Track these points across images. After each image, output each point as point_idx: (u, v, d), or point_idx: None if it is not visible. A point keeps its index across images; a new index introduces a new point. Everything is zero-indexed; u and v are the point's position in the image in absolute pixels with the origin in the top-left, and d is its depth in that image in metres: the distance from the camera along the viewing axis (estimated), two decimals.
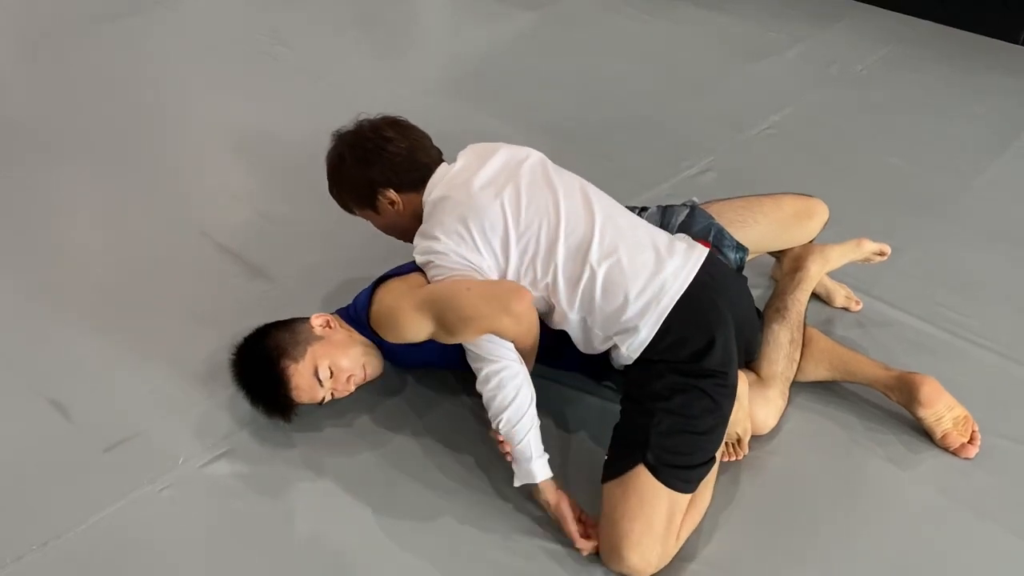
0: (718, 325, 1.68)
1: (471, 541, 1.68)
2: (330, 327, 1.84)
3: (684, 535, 1.64)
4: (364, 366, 1.82)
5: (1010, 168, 2.88)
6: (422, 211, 1.82)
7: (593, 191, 1.81)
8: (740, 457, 1.81)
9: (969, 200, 2.71)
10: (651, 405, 1.64)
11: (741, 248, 1.93)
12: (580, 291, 1.68)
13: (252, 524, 1.70)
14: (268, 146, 2.89)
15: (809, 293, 2.04)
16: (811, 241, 2.12)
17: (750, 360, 1.91)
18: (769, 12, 3.97)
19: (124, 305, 2.23)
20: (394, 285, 1.78)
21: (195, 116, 3.11)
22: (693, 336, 1.66)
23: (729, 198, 2.09)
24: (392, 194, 1.85)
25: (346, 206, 1.96)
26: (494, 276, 1.71)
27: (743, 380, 1.79)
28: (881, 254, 2.13)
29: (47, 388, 1.97)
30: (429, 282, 1.73)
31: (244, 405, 1.90)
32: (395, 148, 1.85)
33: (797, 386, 1.96)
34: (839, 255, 2.10)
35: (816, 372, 1.94)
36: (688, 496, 1.62)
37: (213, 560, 1.64)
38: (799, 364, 1.93)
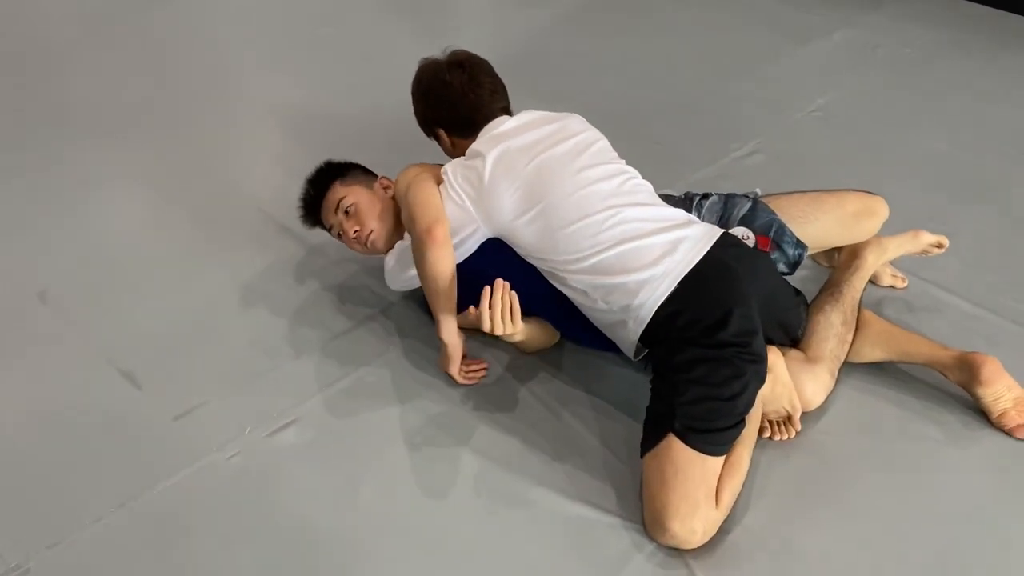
0: (734, 299, 1.72)
1: (544, 515, 1.73)
2: (384, 190, 2.12)
3: (727, 501, 1.68)
4: (373, 231, 2.05)
5: None
6: None
7: (625, 181, 1.90)
8: (792, 436, 1.85)
9: (1015, 187, 2.70)
10: (674, 377, 1.70)
11: (801, 245, 1.97)
12: (583, 273, 1.81)
13: (318, 492, 1.76)
14: (319, 125, 2.94)
15: (865, 281, 2.07)
16: None
17: (794, 340, 1.94)
18: None
19: (187, 278, 2.31)
20: (421, 167, 2.03)
21: (246, 96, 3.18)
22: (707, 311, 1.71)
23: (791, 193, 2.10)
24: (443, 134, 2.10)
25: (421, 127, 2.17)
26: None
27: (780, 356, 1.83)
28: (939, 246, 2.14)
29: (118, 358, 2.04)
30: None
31: (309, 376, 1.98)
32: (450, 93, 2.05)
33: (851, 367, 1.99)
34: (896, 246, 2.12)
35: (872, 353, 1.97)
36: (720, 459, 1.67)
37: (280, 527, 1.70)
38: (854, 346, 1.95)
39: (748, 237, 1.97)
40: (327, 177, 2.16)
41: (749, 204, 2.03)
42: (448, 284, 1.89)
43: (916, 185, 2.66)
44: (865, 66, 3.38)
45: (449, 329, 1.91)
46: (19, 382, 2.00)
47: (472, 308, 1.82)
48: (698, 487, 1.62)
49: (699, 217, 2.01)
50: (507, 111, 2.08)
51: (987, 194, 2.65)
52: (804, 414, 1.87)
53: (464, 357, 1.96)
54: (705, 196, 2.08)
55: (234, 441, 1.84)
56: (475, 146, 1.98)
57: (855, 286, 2.03)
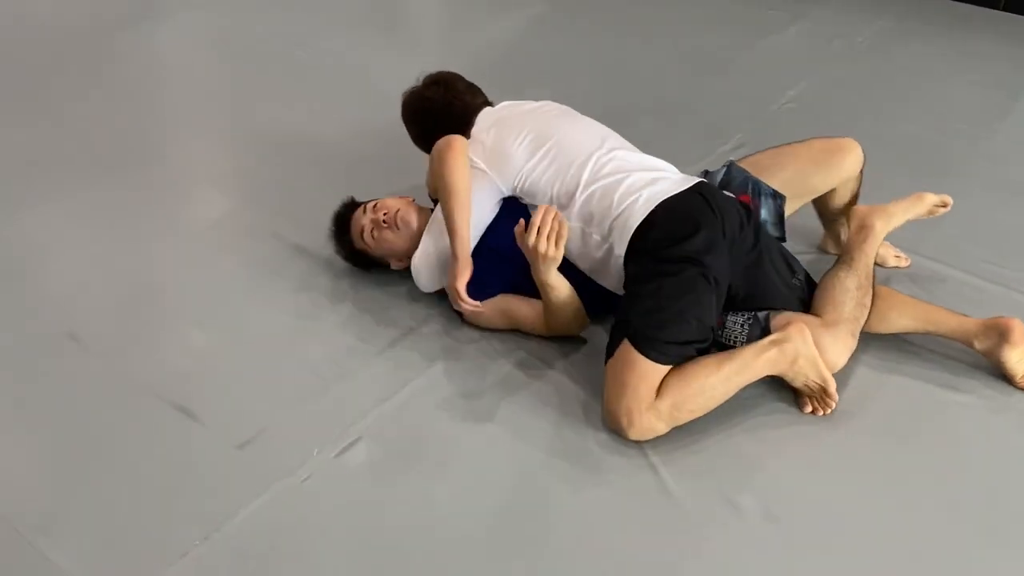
0: (706, 221, 1.94)
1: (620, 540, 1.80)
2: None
3: (683, 416, 1.86)
4: (399, 208, 2.21)
5: (1019, 129, 3.07)
6: None
7: (611, 133, 2.19)
8: (829, 411, 1.95)
9: (984, 161, 2.89)
10: (633, 289, 1.95)
11: (779, 195, 2.11)
12: (584, 205, 2.03)
13: (397, 507, 1.79)
14: (304, 148, 2.94)
15: (876, 247, 2.13)
16: (856, 197, 2.29)
17: (800, 282, 2.09)
18: None
19: (216, 308, 2.30)
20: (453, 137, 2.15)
21: (227, 122, 3.16)
22: (677, 228, 1.93)
23: (762, 150, 2.27)
24: None
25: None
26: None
27: (805, 329, 1.91)
28: (943, 205, 2.23)
29: (167, 393, 2.03)
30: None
31: (363, 393, 2.01)
32: (434, 107, 2.28)
33: (876, 340, 2.10)
34: (902, 210, 2.20)
35: (899, 322, 2.07)
36: (663, 368, 1.84)
37: (367, 545, 1.73)
38: (881, 313, 2.06)
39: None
40: (349, 202, 2.36)
41: (725, 170, 2.17)
42: (464, 196, 2.06)
43: (894, 165, 2.82)
44: (825, 57, 3.56)
45: (463, 245, 2.06)
46: (71, 425, 1.98)
47: (521, 223, 1.94)
48: (641, 387, 1.83)
49: None
50: (488, 103, 2.32)
51: (959, 170, 2.83)
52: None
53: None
54: None
55: (304, 464, 1.86)
56: (472, 132, 2.21)
57: (867, 252, 2.10)
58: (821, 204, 2.33)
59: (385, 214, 2.21)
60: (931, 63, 3.50)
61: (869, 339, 2.08)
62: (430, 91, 2.32)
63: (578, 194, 2.04)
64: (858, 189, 2.30)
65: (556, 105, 2.31)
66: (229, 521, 1.75)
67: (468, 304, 2.07)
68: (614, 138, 2.18)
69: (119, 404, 2.02)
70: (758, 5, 3.98)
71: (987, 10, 3.94)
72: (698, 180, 2.07)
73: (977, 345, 2.02)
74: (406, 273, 2.24)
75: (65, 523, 1.76)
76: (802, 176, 2.20)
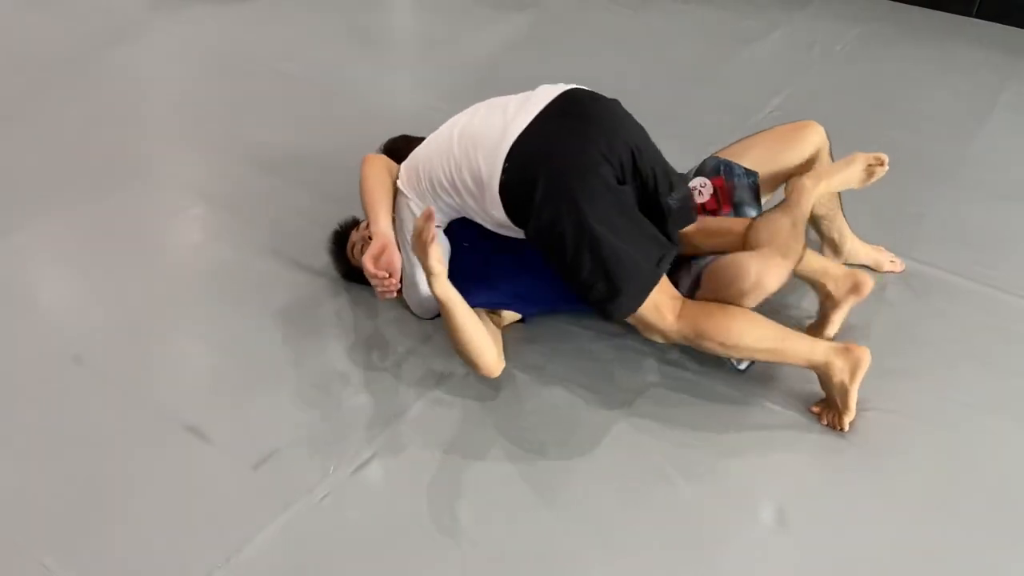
0: (539, 167, 1.93)
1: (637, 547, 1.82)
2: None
3: (704, 343, 1.96)
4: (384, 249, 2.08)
5: (998, 133, 3.14)
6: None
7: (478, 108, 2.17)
8: (841, 429, 1.98)
9: (969, 165, 2.96)
10: (572, 262, 1.94)
11: (751, 173, 2.19)
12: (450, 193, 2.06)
13: (419, 523, 1.80)
14: (306, 162, 2.94)
15: (809, 202, 2.08)
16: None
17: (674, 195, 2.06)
18: (744, 0, 4.19)
19: (221, 327, 2.29)
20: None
21: (215, 138, 3.12)
22: (527, 188, 1.93)
23: (734, 141, 2.37)
24: None
25: None
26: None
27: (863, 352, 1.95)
28: (879, 163, 2.16)
29: (180, 415, 2.02)
30: None
31: (375, 409, 2.02)
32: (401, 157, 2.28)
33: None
34: (833, 169, 2.15)
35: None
36: (655, 285, 1.95)
37: (389, 563, 1.73)
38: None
39: (705, 184, 2.20)
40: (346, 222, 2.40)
41: (701, 162, 2.28)
42: (369, 183, 2.15)
43: (887, 175, 2.88)
44: (806, 64, 3.62)
45: (375, 223, 2.08)
46: (81, 450, 1.96)
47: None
48: (661, 320, 1.97)
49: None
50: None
51: (945, 174, 2.89)
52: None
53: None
54: None
55: (321, 483, 1.86)
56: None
57: (800, 203, 2.06)
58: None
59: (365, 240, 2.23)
60: (910, 69, 3.57)
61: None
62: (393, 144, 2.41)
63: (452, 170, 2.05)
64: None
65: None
66: (249, 544, 1.75)
67: (376, 279, 2.01)
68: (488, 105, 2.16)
69: (130, 428, 2.01)
70: (735, 14, 4.04)
71: (961, 17, 4.02)
72: (547, 99, 2.07)
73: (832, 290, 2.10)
74: None
75: (81, 551, 1.75)
76: (770, 153, 2.26)
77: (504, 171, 1.96)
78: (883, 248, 2.47)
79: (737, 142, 2.35)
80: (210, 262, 2.52)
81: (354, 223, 2.37)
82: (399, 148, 2.33)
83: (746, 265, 1.94)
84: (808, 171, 2.19)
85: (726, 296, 1.96)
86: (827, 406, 1.99)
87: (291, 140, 3.09)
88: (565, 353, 2.18)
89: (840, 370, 1.93)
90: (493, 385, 2.09)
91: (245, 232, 2.63)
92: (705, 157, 2.29)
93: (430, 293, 1.99)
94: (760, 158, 2.25)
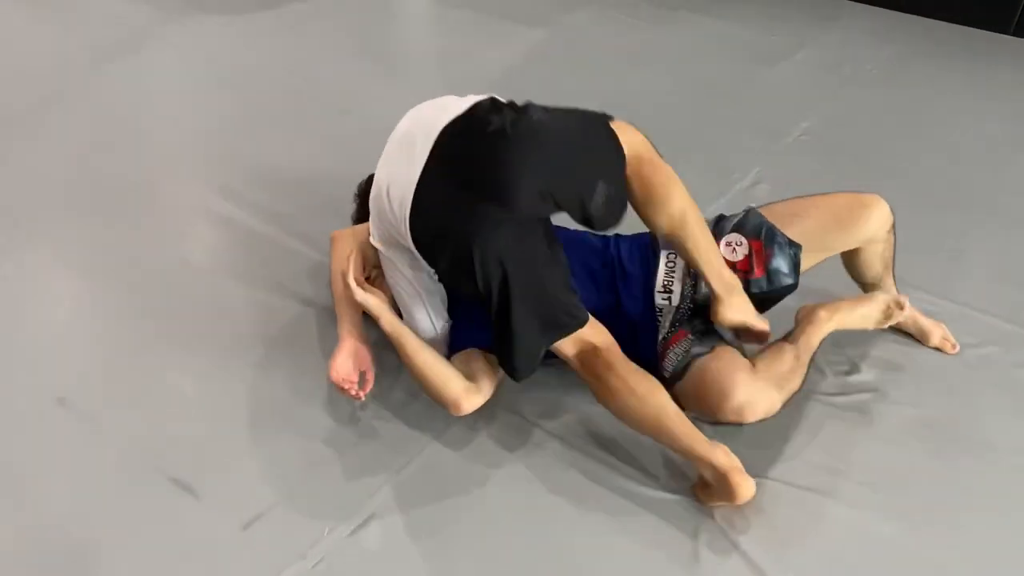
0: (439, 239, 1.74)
1: None
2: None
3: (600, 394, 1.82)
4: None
5: None
6: None
7: None
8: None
9: (1008, 194, 2.79)
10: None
11: (793, 244, 1.98)
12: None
13: None
14: (315, 184, 2.81)
15: (820, 335, 1.99)
16: (890, 265, 2.14)
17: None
18: (767, 15, 4.03)
19: (211, 373, 2.15)
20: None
21: (223, 158, 3.01)
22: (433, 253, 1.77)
23: (784, 199, 2.12)
24: None
25: None
26: None
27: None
28: (899, 306, 2.05)
29: (168, 466, 1.89)
30: None
31: (374, 463, 1.88)
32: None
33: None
34: (850, 304, 2.04)
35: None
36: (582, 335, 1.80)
37: None
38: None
39: (741, 244, 2.00)
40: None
41: (742, 215, 2.07)
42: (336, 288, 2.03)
43: (917, 200, 2.72)
44: (836, 85, 3.46)
45: (344, 325, 1.99)
46: (63, 502, 1.84)
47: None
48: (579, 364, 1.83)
49: None
50: None
51: (983, 204, 2.73)
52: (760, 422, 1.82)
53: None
54: None
55: (315, 546, 1.72)
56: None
57: (810, 335, 1.97)
58: (855, 274, 2.17)
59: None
60: (944, 91, 3.41)
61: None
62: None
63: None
64: (891, 257, 2.13)
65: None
66: None
67: (341, 390, 1.90)
68: None
69: (115, 479, 1.88)
70: (759, 30, 3.89)
71: (998, 35, 3.85)
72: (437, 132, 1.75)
73: None
74: None
75: None
76: (821, 231, 2.04)
77: (412, 235, 1.75)
78: (940, 322, 2.22)
79: (788, 201, 2.09)
80: (207, 294, 2.39)
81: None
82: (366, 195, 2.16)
83: (735, 387, 1.78)
84: (863, 248, 2.08)
85: (703, 403, 1.82)
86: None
87: (300, 161, 2.96)
88: (568, 408, 2.04)
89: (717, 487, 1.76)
90: (502, 439, 1.95)
91: (247, 261, 2.50)
92: (747, 208, 2.07)
93: (432, 335, 1.92)
94: (811, 232, 2.01)
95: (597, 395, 1.83)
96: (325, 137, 3.10)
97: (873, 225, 2.04)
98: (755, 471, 1.80)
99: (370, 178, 2.13)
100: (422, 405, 2.03)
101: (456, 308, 2.04)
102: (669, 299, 2.01)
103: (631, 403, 1.77)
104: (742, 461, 1.74)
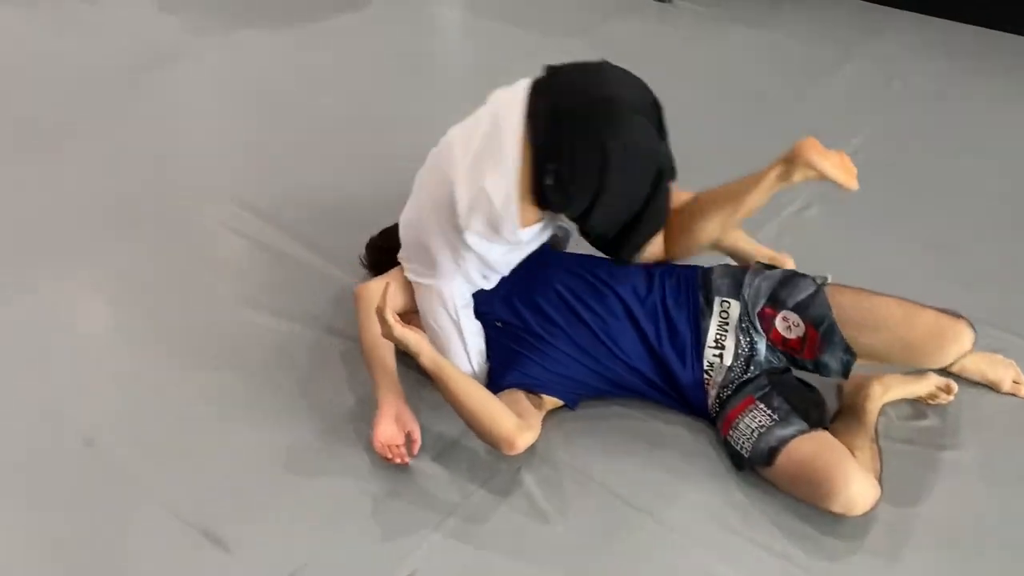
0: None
1: None
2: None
3: None
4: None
5: None
6: None
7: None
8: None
9: None
10: None
11: (848, 351, 1.83)
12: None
13: None
14: (348, 208, 2.71)
15: (877, 412, 1.90)
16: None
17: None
18: (811, 25, 3.90)
19: (248, 416, 2.04)
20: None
21: (255, 179, 2.89)
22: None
23: (863, 290, 1.91)
24: None
25: None
26: None
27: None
28: (947, 391, 1.97)
29: (197, 517, 1.79)
30: None
31: (416, 513, 1.80)
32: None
33: None
34: (901, 381, 1.95)
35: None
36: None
37: None
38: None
39: (798, 324, 1.87)
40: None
41: (812, 291, 1.89)
42: (368, 348, 1.96)
43: (979, 226, 2.59)
44: (886, 100, 3.32)
45: (382, 388, 1.93)
46: (89, 553, 1.74)
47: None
48: None
49: (751, 282, 1.92)
50: None
51: None
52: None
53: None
54: (769, 267, 1.99)
55: None
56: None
57: (871, 413, 1.88)
58: None
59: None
60: (1004, 106, 3.26)
61: None
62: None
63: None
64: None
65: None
66: None
67: (387, 459, 1.85)
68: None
69: (143, 529, 1.78)
70: (804, 41, 3.76)
71: None
72: None
73: None
74: None
75: None
76: (885, 351, 1.85)
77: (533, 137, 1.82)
78: (1012, 363, 2.04)
79: (863, 297, 1.87)
80: (242, 328, 2.28)
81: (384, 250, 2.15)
82: (382, 249, 2.17)
83: (849, 481, 1.67)
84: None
85: (804, 492, 1.72)
86: None
87: (338, 182, 2.85)
88: (610, 451, 1.93)
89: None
90: (561, 483, 1.84)
91: (284, 293, 2.39)
92: (820, 283, 1.89)
93: (469, 375, 1.87)
94: (881, 348, 1.84)
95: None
96: (361, 156, 3.00)
97: (948, 357, 1.84)
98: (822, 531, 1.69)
99: (384, 232, 2.10)
100: (466, 443, 1.94)
101: (494, 347, 1.95)
102: (720, 356, 1.89)
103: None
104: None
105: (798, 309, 1.85)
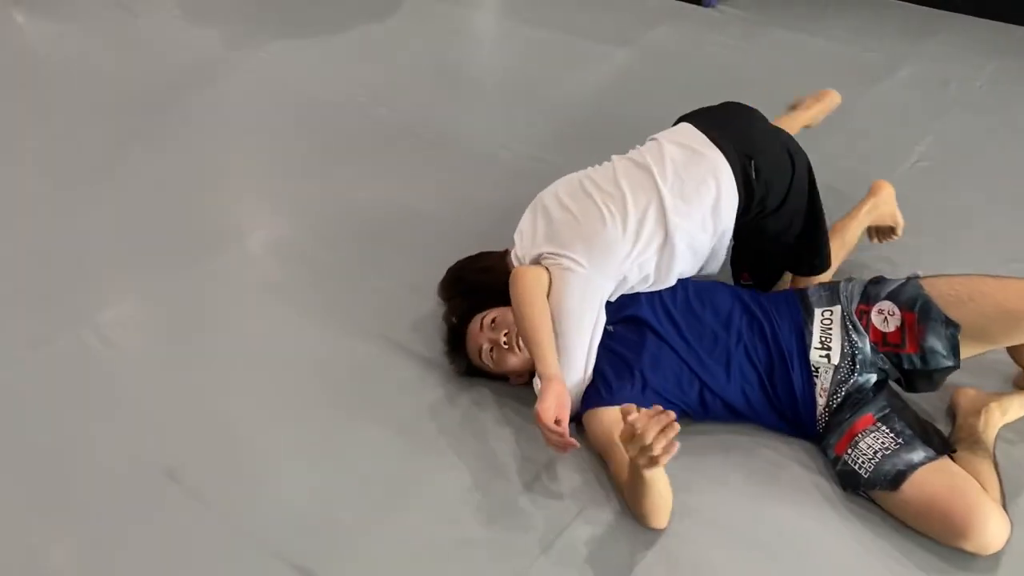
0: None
1: None
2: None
3: None
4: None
5: None
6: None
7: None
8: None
9: None
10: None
11: (951, 324, 1.78)
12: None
13: None
14: (411, 223, 2.67)
15: (995, 432, 1.87)
16: None
17: None
18: (860, 30, 3.84)
19: (333, 446, 1.98)
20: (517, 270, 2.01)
21: (313, 194, 2.83)
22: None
23: (952, 274, 1.89)
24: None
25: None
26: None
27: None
28: None
29: (287, 550, 1.74)
30: None
31: (510, 544, 1.74)
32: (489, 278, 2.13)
33: None
34: (1020, 403, 1.91)
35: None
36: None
37: None
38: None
39: (893, 313, 1.86)
40: (462, 309, 2.12)
41: (902, 281, 1.91)
42: (536, 310, 1.87)
43: None
44: (945, 104, 3.26)
45: (545, 363, 1.83)
46: None
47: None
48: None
49: (845, 289, 1.96)
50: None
51: None
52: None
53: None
54: (849, 279, 2.03)
55: None
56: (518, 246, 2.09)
57: (990, 435, 1.85)
58: (1016, 355, 1.96)
59: (506, 334, 1.98)
60: None
61: None
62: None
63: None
64: None
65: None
66: None
67: (554, 435, 1.73)
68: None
69: (232, 564, 1.73)
70: (854, 47, 3.70)
71: None
72: None
73: None
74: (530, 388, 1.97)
75: None
76: (980, 321, 1.78)
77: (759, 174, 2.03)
78: None
79: (954, 278, 1.85)
80: (313, 349, 2.23)
81: (469, 310, 2.08)
82: (470, 280, 2.21)
83: (986, 521, 1.61)
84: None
85: (932, 527, 1.66)
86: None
87: (389, 195, 2.81)
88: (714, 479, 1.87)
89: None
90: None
91: (348, 310, 2.34)
92: (910, 275, 1.90)
93: (579, 379, 1.89)
94: (976, 318, 1.78)
95: None
96: (411, 171, 2.95)
97: None
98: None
99: (458, 313, 2.10)
100: (562, 467, 1.89)
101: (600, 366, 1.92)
102: (827, 356, 1.85)
103: None
104: None
105: (890, 297, 1.87)
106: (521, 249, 2.05)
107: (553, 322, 1.87)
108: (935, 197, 2.74)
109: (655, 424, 1.51)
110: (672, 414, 1.52)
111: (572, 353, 1.87)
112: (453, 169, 2.94)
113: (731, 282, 2.22)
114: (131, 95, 3.43)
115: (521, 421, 2.00)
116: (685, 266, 2.04)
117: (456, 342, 2.07)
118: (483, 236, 2.36)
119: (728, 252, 2.17)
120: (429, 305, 2.33)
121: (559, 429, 1.71)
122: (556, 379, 1.79)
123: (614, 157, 2.16)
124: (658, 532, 1.75)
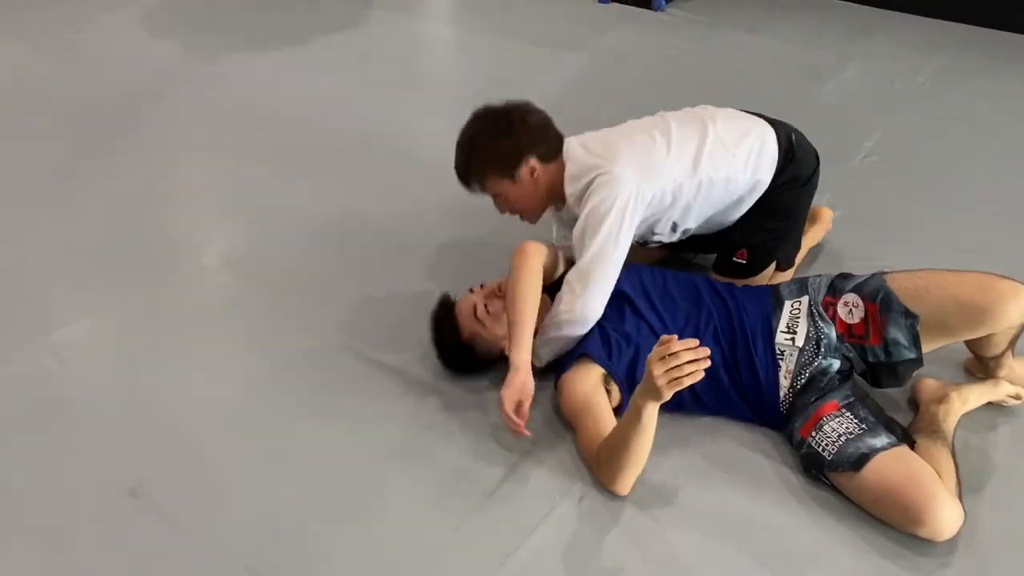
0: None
1: None
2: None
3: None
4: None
5: None
6: (558, 184, 2.09)
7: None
8: None
9: None
10: None
11: (910, 315, 1.83)
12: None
13: None
14: (372, 233, 2.66)
15: (956, 419, 1.91)
16: (1013, 344, 1.92)
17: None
18: (806, 31, 3.94)
19: (296, 452, 1.97)
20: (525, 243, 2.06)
21: (274, 206, 2.81)
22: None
23: (914, 269, 1.93)
24: (534, 162, 2.07)
25: (478, 180, 2.10)
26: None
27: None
28: (1016, 397, 1.98)
29: (257, 562, 1.71)
30: None
31: (476, 551, 1.73)
32: (535, 119, 2.12)
33: None
34: (979, 393, 1.96)
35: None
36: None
37: None
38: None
39: (858, 305, 1.91)
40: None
41: (867, 276, 1.96)
42: (527, 303, 1.95)
43: (1003, 225, 2.61)
44: (890, 101, 3.35)
45: (519, 351, 1.91)
46: None
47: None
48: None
49: (814, 282, 2.02)
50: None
51: None
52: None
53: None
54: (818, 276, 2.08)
55: None
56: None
57: (950, 425, 1.89)
58: (973, 346, 1.97)
59: (499, 286, 2.06)
60: (1009, 102, 3.30)
61: None
62: (526, 106, 2.18)
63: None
64: (1017, 335, 1.90)
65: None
66: None
67: (513, 424, 1.85)
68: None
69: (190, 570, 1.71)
70: (802, 46, 3.79)
71: None
72: None
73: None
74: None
75: None
76: (938, 312, 1.82)
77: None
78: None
79: (915, 273, 1.89)
80: (274, 361, 2.21)
81: (450, 301, 2.12)
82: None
83: (940, 508, 1.64)
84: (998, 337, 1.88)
85: (889, 512, 1.70)
86: None
87: (347, 206, 2.80)
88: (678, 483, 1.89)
89: None
90: (619, 514, 1.79)
91: (309, 321, 2.32)
92: (875, 272, 1.95)
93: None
94: (938, 305, 1.81)
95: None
96: (372, 180, 2.95)
97: (1009, 318, 1.78)
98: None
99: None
100: (529, 468, 1.89)
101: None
102: (792, 340, 1.91)
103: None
104: None
105: (855, 290, 1.93)
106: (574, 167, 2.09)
107: (592, 237, 1.95)
108: (885, 191, 2.81)
109: (691, 353, 1.60)
110: (707, 350, 1.61)
111: (602, 257, 1.96)
112: (411, 178, 2.94)
113: (710, 276, 2.26)
114: (81, 111, 3.38)
115: (487, 426, 2.00)
116: (718, 195, 2.12)
117: (444, 315, 2.08)
118: (444, 246, 2.36)
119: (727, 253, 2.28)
120: (392, 314, 2.32)
121: (517, 418, 1.84)
122: (523, 369, 1.89)
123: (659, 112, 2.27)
124: (628, 524, 1.76)
